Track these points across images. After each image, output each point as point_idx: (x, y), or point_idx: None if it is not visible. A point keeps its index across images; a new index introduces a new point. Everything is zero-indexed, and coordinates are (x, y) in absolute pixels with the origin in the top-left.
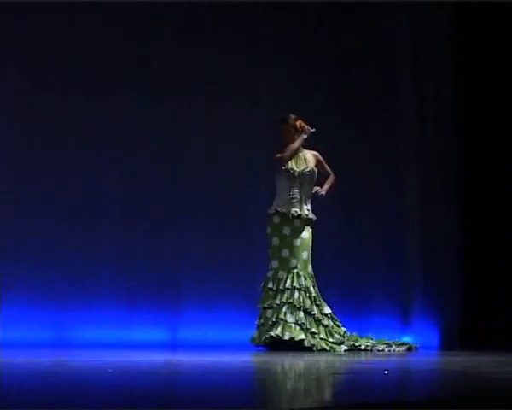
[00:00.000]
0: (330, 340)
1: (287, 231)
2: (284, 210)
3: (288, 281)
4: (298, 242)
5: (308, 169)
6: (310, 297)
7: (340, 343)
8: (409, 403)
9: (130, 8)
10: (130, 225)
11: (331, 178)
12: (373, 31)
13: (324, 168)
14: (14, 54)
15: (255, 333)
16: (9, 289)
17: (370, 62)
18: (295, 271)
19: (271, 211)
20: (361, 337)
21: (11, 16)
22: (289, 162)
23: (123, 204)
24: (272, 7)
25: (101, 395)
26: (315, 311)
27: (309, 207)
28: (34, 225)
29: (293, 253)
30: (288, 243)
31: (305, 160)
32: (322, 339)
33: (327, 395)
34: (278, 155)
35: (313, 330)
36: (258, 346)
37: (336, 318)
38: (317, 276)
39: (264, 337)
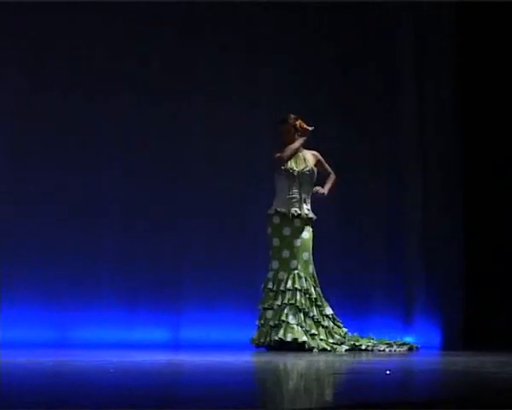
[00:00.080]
0: (330, 341)
1: (287, 231)
2: (284, 210)
3: (289, 282)
4: (298, 242)
5: (307, 169)
6: (309, 299)
7: (341, 344)
8: (410, 403)
9: (130, 8)
10: (130, 225)
11: (332, 178)
12: (373, 31)
13: (324, 168)
14: (14, 54)
15: (255, 334)
16: (9, 289)
17: (370, 62)
18: (296, 272)
19: (271, 211)
20: (362, 338)
21: (11, 16)
22: (289, 162)
23: (123, 204)
24: (272, 7)
25: (101, 395)
26: (314, 312)
27: (309, 206)
28: (34, 225)
29: (294, 254)
30: (289, 243)
31: (304, 159)
32: (322, 340)
33: (328, 395)
34: (278, 155)
35: (313, 331)
36: (258, 347)
37: (338, 319)
38: (318, 276)
39: (267, 340)
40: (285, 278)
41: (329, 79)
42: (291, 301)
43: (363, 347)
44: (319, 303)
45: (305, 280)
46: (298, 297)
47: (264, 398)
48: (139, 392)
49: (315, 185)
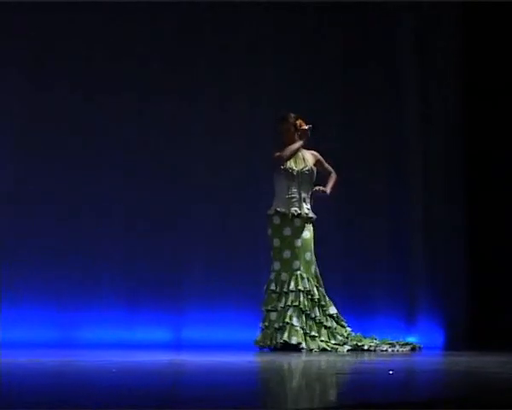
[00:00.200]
0: (332, 342)
1: (287, 231)
2: (284, 210)
3: (292, 283)
4: (299, 242)
5: (307, 168)
6: (312, 300)
7: (343, 344)
8: (412, 403)
9: (130, 8)
10: (130, 225)
11: (333, 177)
12: (373, 31)
13: (324, 167)
14: (14, 54)
15: (259, 336)
16: (9, 289)
17: (371, 62)
18: (298, 273)
19: (271, 212)
20: (365, 338)
21: (11, 16)
22: (288, 162)
23: (123, 204)
24: (272, 7)
25: (102, 395)
26: (316, 313)
27: (309, 206)
28: (34, 225)
29: (296, 254)
30: (290, 243)
31: (303, 159)
32: (322, 341)
33: (330, 395)
34: (277, 154)
35: (313, 333)
36: (262, 348)
37: (342, 318)
38: (321, 276)
39: (273, 342)
40: (288, 279)
41: (329, 79)
42: (294, 303)
43: (366, 347)
44: (323, 303)
45: (308, 281)
46: (301, 299)
47: (267, 398)
48: (140, 392)
49: (314, 185)
